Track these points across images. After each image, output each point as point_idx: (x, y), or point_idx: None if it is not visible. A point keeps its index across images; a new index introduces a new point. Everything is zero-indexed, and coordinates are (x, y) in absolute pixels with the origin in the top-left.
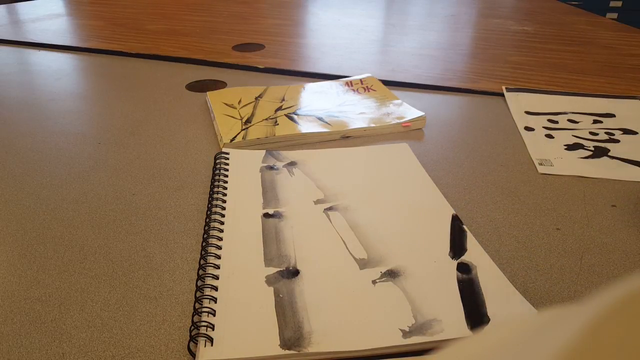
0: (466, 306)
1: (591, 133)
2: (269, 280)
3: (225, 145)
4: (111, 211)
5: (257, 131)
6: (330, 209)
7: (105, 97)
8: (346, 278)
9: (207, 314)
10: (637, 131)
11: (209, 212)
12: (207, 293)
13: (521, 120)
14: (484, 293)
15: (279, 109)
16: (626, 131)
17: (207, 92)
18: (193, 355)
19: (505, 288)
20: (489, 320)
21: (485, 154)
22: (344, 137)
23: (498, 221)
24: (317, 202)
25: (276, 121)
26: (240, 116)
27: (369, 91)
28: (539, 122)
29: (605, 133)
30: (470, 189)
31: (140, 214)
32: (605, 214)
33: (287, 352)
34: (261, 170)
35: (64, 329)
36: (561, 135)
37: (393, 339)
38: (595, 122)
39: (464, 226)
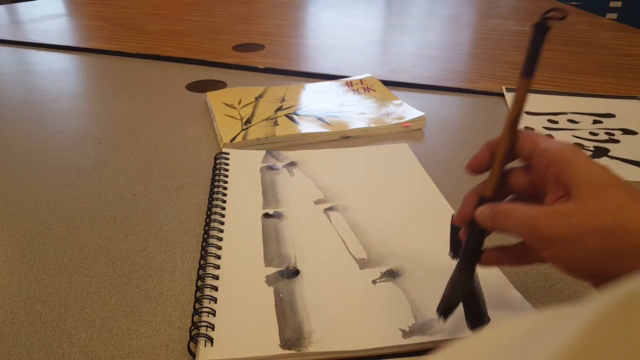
0: (466, 306)
1: (591, 133)
2: (269, 280)
3: (225, 145)
4: (111, 211)
5: (257, 131)
6: (330, 209)
7: (105, 97)
8: (346, 278)
9: (207, 314)
10: (637, 131)
11: (209, 212)
12: (207, 293)
13: (521, 120)
14: (484, 293)
15: (279, 109)
16: (626, 131)
17: (207, 92)
18: (193, 355)
19: (505, 288)
20: (489, 320)
21: None
22: (344, 137)
23: None
24: (317, 202)
25: (276, 121)
26: (240, 116)
27: (369, 91)
28: (539, 122)
29: (605, 133)
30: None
31: (140, 214)
32: None
33: (287, 352)
34: (261, 170)
35: (64, 329)
36: (561, 135)
37: (393, 339)
38: (595, 122)
39: None
